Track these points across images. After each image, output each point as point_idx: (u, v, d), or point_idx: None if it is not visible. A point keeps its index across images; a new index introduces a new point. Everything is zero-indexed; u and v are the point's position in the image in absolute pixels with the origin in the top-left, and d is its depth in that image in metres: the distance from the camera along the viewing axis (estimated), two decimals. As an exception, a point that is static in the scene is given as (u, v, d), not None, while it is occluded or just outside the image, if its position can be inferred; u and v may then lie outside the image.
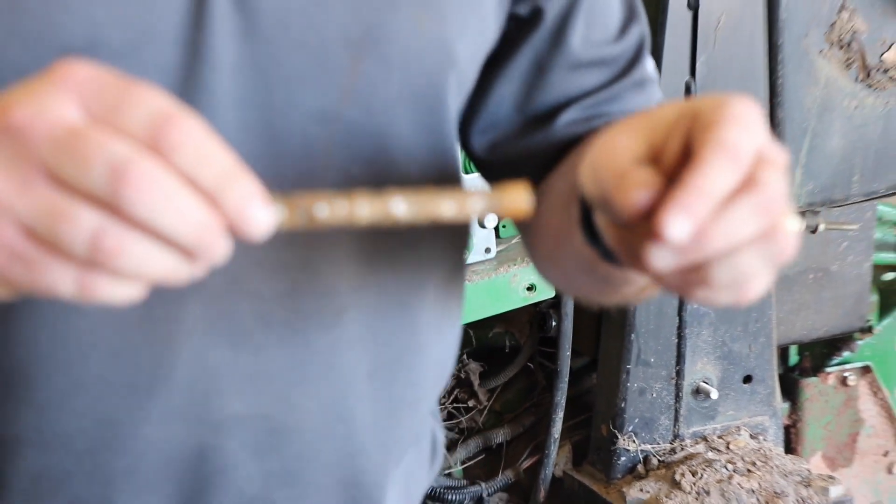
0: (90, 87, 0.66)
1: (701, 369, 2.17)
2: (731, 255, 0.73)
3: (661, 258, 0.71)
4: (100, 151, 0.62)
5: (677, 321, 2.16)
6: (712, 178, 0.70)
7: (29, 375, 0.94)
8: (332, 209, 0.70)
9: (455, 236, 1.03)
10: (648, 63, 1.13)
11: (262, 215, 0.65)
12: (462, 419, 2.46)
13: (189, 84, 0.92)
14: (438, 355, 1.14)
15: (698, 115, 0.74)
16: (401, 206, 0.72)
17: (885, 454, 2.48)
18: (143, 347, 0.93)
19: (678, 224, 0.69)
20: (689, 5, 2.02)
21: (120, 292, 0.67)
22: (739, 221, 0.71)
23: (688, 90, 2.07)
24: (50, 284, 0.66)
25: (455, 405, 2.47)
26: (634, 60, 1.10)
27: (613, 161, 0.76)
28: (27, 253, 0.65)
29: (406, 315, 1.06)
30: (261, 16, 0.93)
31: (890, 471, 2.50)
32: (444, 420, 2.53)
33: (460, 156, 1.11)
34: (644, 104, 1.10)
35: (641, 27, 1.14)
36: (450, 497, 2.29)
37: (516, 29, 1.06)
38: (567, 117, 1.06)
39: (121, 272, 0.65)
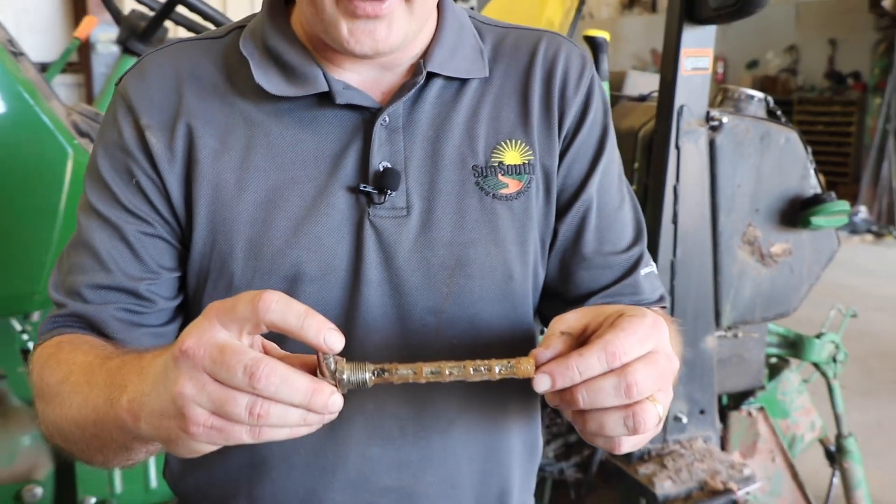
0: (228, 316, 0.77)
1: (678, 406, 2.45)
2: (597, 414, 0.81)
3: (540, 389, 0.82)
4: (237, 362, 0.74)
5: (666, 382, 2.46)
6: (580, 360, 0.80)
7: (268, 461, 1.07)
8: (404, 376, 0.82)
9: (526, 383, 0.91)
10: (644, 270, 1.13)
11: (336, 401, 0.78)
12: (556, 425, 2.65)
13: (353, 295, 1.03)
14: (524, 442, 1.16)
15: (614, 319, 0.83)
16: (448, 373, 0.83)
17: (770, 452, 2.70)
18: (329, 446, 1.05)
19: (541, 379, 0.81)
20: (672, 221, 2.36)
21: (277, 434, 0.78)
22: (600, 392, 0.80)
23: (672, 268, 2.38)
24: (235, 439, 0.77)
25: (552, 416, 2.66)
26: (632, 269, 1.13)
27: (554, 326, 0.86)
28: (216, 424, 0.76)
29: (495, 424, 1.12)
30: (393, 254, 1.04)
31: (773, 461, 2.70)
32: (548, 425, 2.63)
33: (534, 321, 1.13)
34: (635, 302, 1.11)
35: (642, 246, 1.15)
36: (546, 468, 2.59)
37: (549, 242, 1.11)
38: (592, 302, 1.10)
39: (271, 425, 0.77)
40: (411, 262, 1.04)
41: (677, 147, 2.33)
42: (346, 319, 1.03)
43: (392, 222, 1.03)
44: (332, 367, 0.80)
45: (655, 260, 2.35)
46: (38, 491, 2.12)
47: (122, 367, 0.90)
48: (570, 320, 0.86)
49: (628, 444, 0.85)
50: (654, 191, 2.38)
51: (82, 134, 2.18)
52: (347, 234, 1.03)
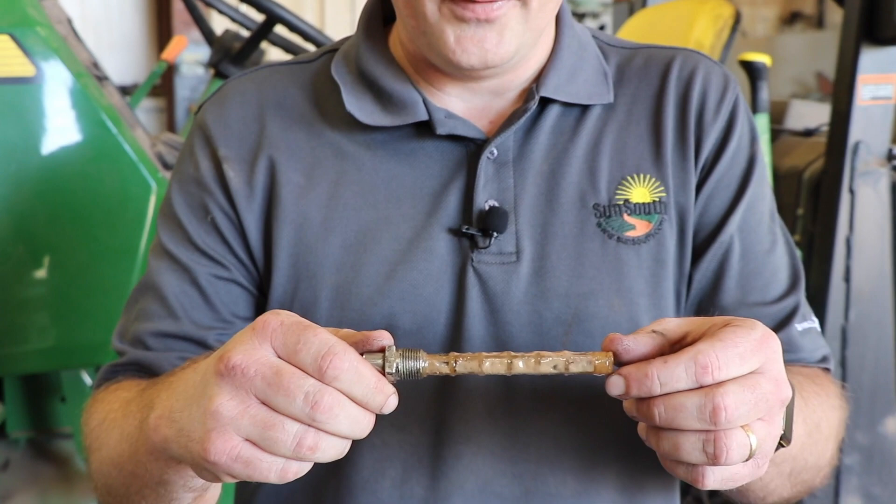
0: (278, 333, 0.76)
1: (851, 502, 2.38)
2: (673, 433, 0.77)
3: (613, 392, 0.79)
4: (297, 387, 0.74)
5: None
6: (663, 368, 0.76)
7: (355, 486, 1.06)
8: (465, 365, 0.82)
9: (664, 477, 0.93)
10: (800, 325, 1.09)
11: (392, 402, 0.77)
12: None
13: (453, 351, 0.95)
14: None
15: (718, 328, 0.79)
16: (519, 365, 0.82)
17: None
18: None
19: (615, 382, 0.78)
20: (844, 279, 2.34)
21: (302, 471, 0.77)
22: (681, 411, 0.75)
23: (843, 335, 2.38)
24: (259, 476, 0.76)
25: None
26: (785, 322, 1.09)
27: (650, 325, 0.84)
28: (245, 455, 0.75)
29: None
30: (500, 306, 1.03)
31: None
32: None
33: None
34: (791, 362, 1.05)
35: (798, 296, 1.10)
36: None
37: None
38: None
39: (313, 460, 0.76)
40: (521, 317, 1.03)
41: (851, 191, 2.33)
42: (443, 382, 1.02)
43: (499, 269, 1.03)
44: (383, 361, 0.79)
45: (822, 324, 2.20)
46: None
47: (154, 387, 0.91)
48: (670, 323, 0.82)
49: (713, 478, 0.79)
50: (822, 242, 2.38)
51: (167, 166, 2.21)
52: (447, 282, 1.03)
